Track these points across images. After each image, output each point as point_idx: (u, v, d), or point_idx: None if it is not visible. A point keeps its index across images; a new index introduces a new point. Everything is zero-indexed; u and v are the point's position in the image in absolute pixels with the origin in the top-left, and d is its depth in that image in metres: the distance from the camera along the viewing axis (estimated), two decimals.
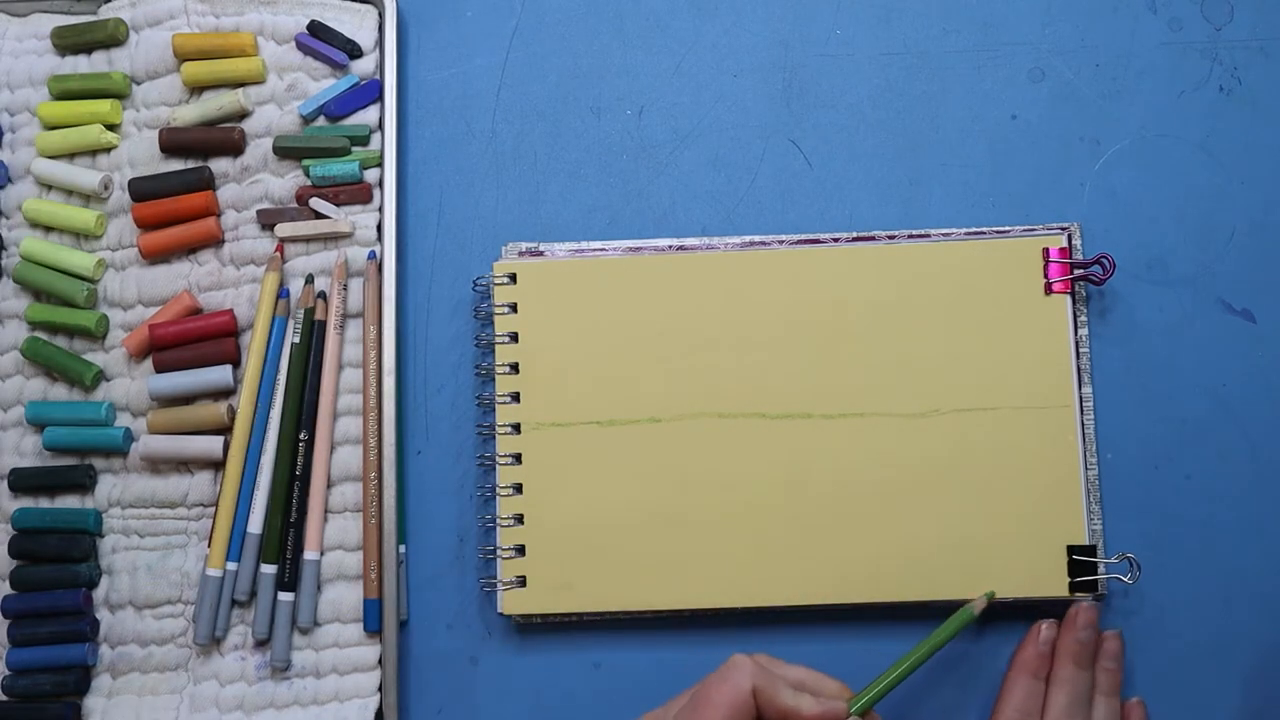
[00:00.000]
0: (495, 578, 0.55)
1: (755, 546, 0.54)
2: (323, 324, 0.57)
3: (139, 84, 0.60)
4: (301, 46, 0.59)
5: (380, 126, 0.59)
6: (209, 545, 0.55)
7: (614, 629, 0.56)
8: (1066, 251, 0.56)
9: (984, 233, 0.57)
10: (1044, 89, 0.59)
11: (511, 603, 0.55)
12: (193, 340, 0.57)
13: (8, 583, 0.56)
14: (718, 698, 0.46)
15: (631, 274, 0.56)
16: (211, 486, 0.57)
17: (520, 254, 0.58)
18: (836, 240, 0.57)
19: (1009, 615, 0.55)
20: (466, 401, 0.58)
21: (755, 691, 0.46)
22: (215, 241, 0.58)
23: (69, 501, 0.57)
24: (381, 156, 0.58)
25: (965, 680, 0.55)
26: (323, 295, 0.57)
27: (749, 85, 0.60)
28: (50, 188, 0.59)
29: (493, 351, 0.56)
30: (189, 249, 0.58)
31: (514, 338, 0.56)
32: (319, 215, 0.58)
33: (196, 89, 0.59)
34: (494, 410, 0.56)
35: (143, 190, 0.58)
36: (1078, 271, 0.55)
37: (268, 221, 0.58)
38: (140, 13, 0.60)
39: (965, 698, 0.55)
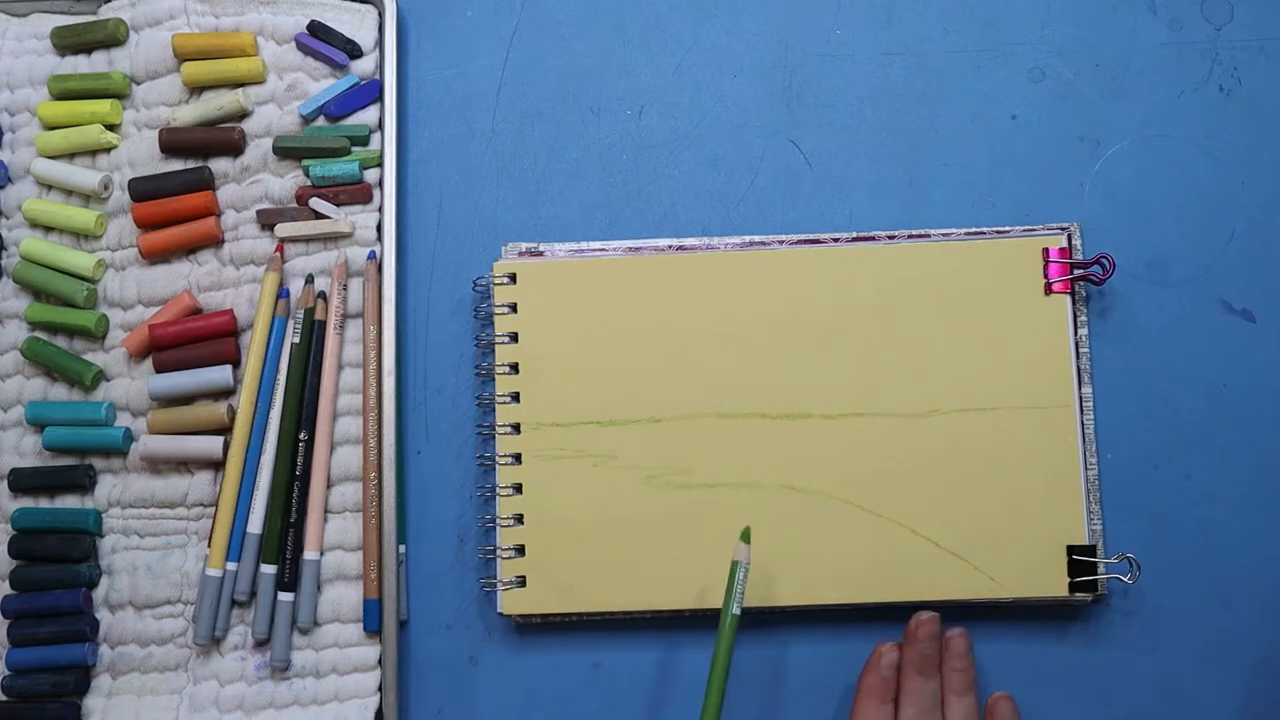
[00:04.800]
0: (495, 578, 0.55)
1: (755, 546, 0.54)
2: (323, 324, 0.57)
3: (139, 84, 0.60)
4: (301, 46, 0.59)
5: (380, 126, 0.59)
6: (209, 545, 0.55)
7: (614, 629, 0.56)
8: (1066, 251, 0.56)
9: (984, 233, 0.57)
10: (1044, 89, 0.59)
11: (511, 603, 0.55)
12: (193, 340, 0.57)
13: (8, 583, 0.56)
14: None
15: (631, 274, 0.56)
16: (211, 486, 0.57)
17: (520, 254, 0.58)
18: (836, 240, 0.57)
19: (1009, 615, 0.55)
20: (466, 401, 0.58)
21: None
22: (215, 241, 0.58)
23: (69, 501, 0.57)
24: (381, 156, 0.58)
25: None
26: (323, 295, 0.57)
27: (749, 85, 0.60)
28: (50, 188, 0.59)
29: (493, 351, 0.56)
30: (189, 249, 0.58)
31: (514, 338, 0.56)
32: (319, 215, 0.58)
33: (196, 89, 0.59)
34: (494, 410, 0.56)
35: (143, 190, 0.58)
36: (1078, 271, 0.55)
37: (268, 221, 0.58)
38: (140, 13, 0.60)
39: None
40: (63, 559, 0.56)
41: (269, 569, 0.55)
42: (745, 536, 0.51)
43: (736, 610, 0.49)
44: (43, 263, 0.58)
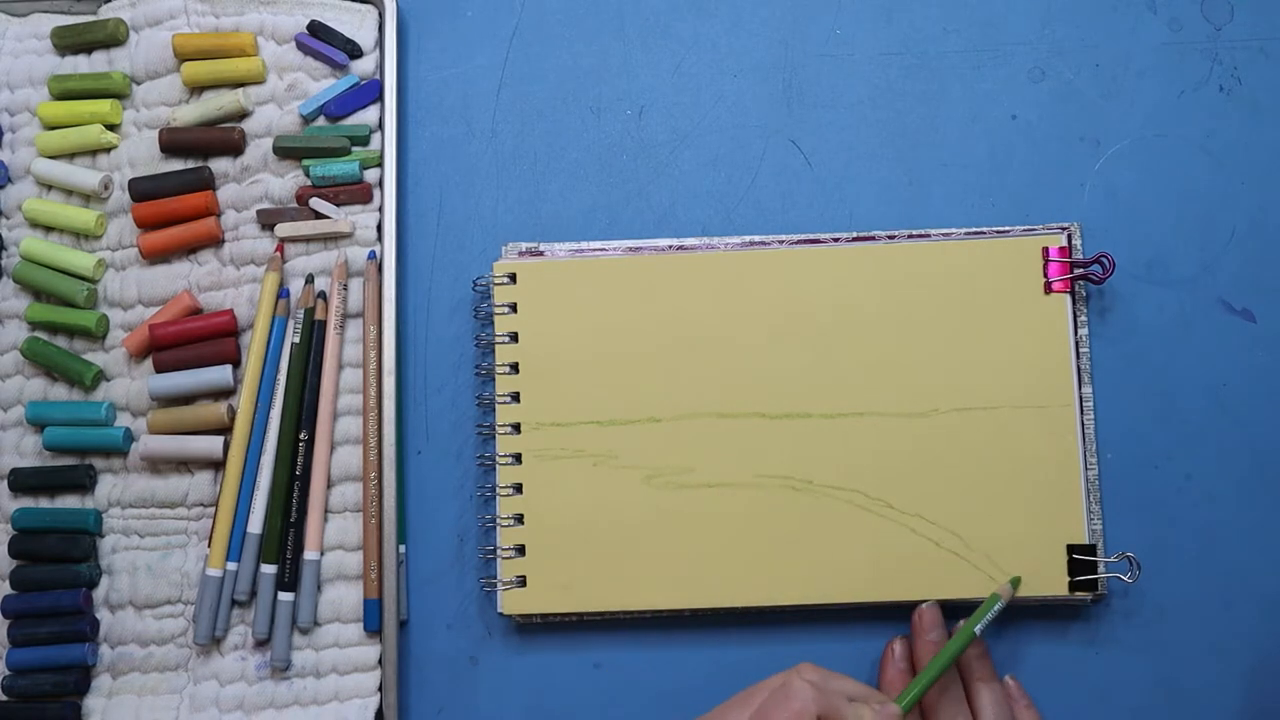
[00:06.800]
0: (495, 578, 0.55)
1: (755, 546, 0.54)
2: (323, 324, 0.57)
3: (139, 84, 0.60)
4: (301, 46, 0.59)
5: (380, 126, 0.59)
6: (209, 545, 0.55)
7: (614, 629, 0.56)
8: (1066, 251, 0.56)
9: (984, 233, 0.57)
10: (1044, 89, 0.59)
11: (511, 603, 0.55)
12: (193, 340, 0.57)
13: (8, 583, 0.56)
14: None
15: (631, 274, 0.56)
16: (211, 486, 0.57)
17: (520, 254, 0.58)
18: (836, 240, 0.57)
19: (1009, 615, 0.55)
20: (466, 401, 0.58)
21: (819, 716, 0.47)
22: (215, 241, 0.58)
23: (69, 501, 0.57)
24: (381, 156, 0.58)
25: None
26: (323, 295, 0.57)
27: (749, 85, 0.60)
28: (50, 188, 0.59)
29: (493, 351, 0.56)
30: (189, 249, 0.58)
31: (514, 338, 0.56)
32: (319, 215, 0.58)
33: (196, 89, 0.59)
34: (494, 410, 0.56)
35: (143, 190, 0.58)
36: (1077, 271, 0.55)
37: (268, 221, 0.58)
38: (140, 13, 0.60)
39: None
40: (63, 559, 0.56)
41: (269, 569, 0.55)
42: (1015, 583, 0.53)
43: (977, 630, 0.52)
44: (43, 263, 0.58)
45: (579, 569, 0.55)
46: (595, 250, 0.57)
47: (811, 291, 0.56)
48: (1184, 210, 0.58)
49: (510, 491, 0.55)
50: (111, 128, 0.59)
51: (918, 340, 0.55)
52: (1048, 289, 0.55)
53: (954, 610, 0.54)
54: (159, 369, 0.57)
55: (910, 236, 0.57)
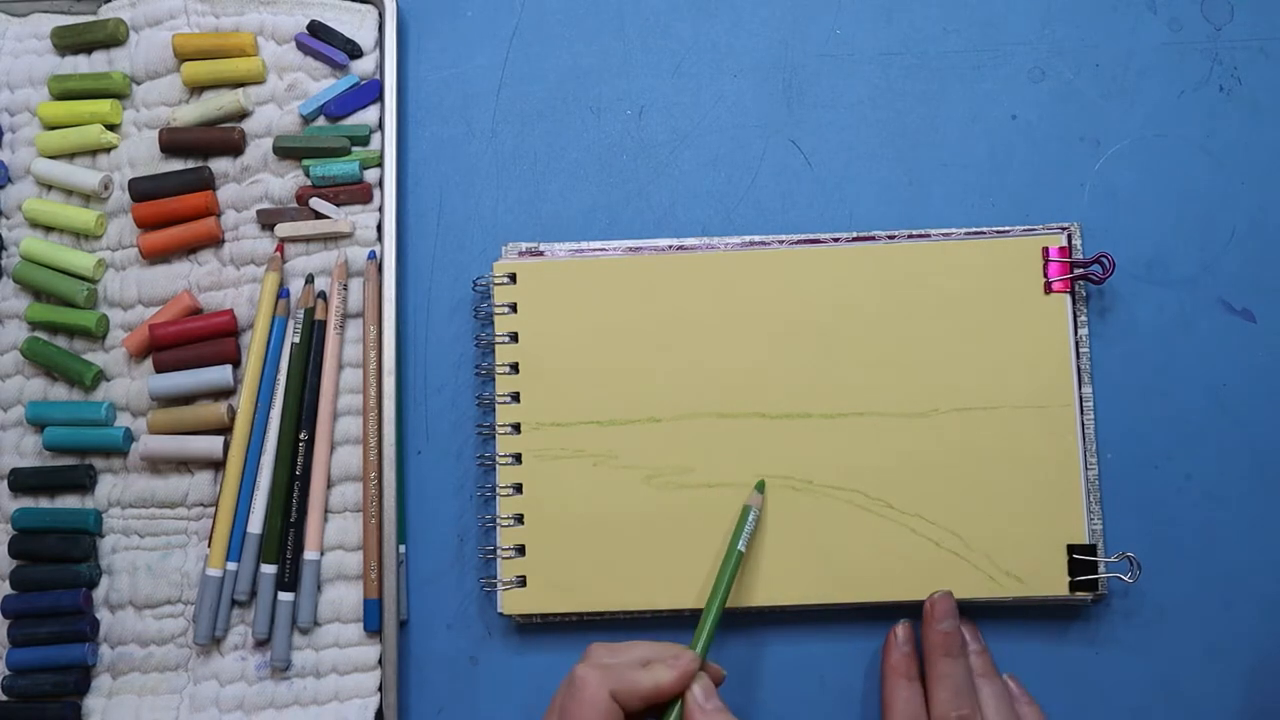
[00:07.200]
0: (495, 578, 0.55)
1: (755, 546, 0.54)
2: (323, 324, 0.57)
3: (139, 84, 0.60)
4: (301, 46, 0.59)
5: (380, 126, 0.59)
6: (209, 545, 0.55)
7: (614, 629, 0.56)
8: (1066, 251, 0.56)
9: (984, 233, 0.57)
10: (1044, 89, 0.59)
11: (511, 603, 0.55)
12: (193, 340, 0.57)
13: (8, 583, 0.56)
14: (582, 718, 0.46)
15: (631, 274, 0.56)
16: (211, 486, 0.57)
17: (520, 254, 0.58)
18: (836, 240, 0.57)
19: (1009, 614, 0.55)
20: (466, 401, 0.58)
21: (612, 694, 0.46)
22: (215, 241, 0.58)
23: (69, 501, 0.57)
24: (381, 156, 0.58)
25: None
26: (323, 295, 0.57)
27: (749, 85, 0.60)
28: (50, 188, 0.59)
29: (493, 351, 0.56)
30: (189, 249, 0.58)
31: (514, 338, 0.56)
32: (319, 215, 0.58)
33: (196, 89, 0.59)
34: (494, 410, 0.56)
35: (143, 190, 0.58)
36: (1077, 271, 0.55)
37: (268, 221, 0.58)
38: (140, 13, 0.60)
39: None
40: (63, 559, 0.56)
41: (269, 569, 0.55)
42: (760, 487, 0.54)
43: (741, 547, 0.52)
44: (43, 263, 0.58)
45: (579, 569, 0.55)
46: (595, 250, 0.57)
47: (811, 291, 0.56)
48: (1184, 210, 0.58)
49: (510, 491, 0.55)
50: (111, 128, 0.59)
51: (918, 340, 0.55)
52: (1048, 289, 0.55)
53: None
54: (159, 369, 0.57)
55: (910, 236, 0.57)
